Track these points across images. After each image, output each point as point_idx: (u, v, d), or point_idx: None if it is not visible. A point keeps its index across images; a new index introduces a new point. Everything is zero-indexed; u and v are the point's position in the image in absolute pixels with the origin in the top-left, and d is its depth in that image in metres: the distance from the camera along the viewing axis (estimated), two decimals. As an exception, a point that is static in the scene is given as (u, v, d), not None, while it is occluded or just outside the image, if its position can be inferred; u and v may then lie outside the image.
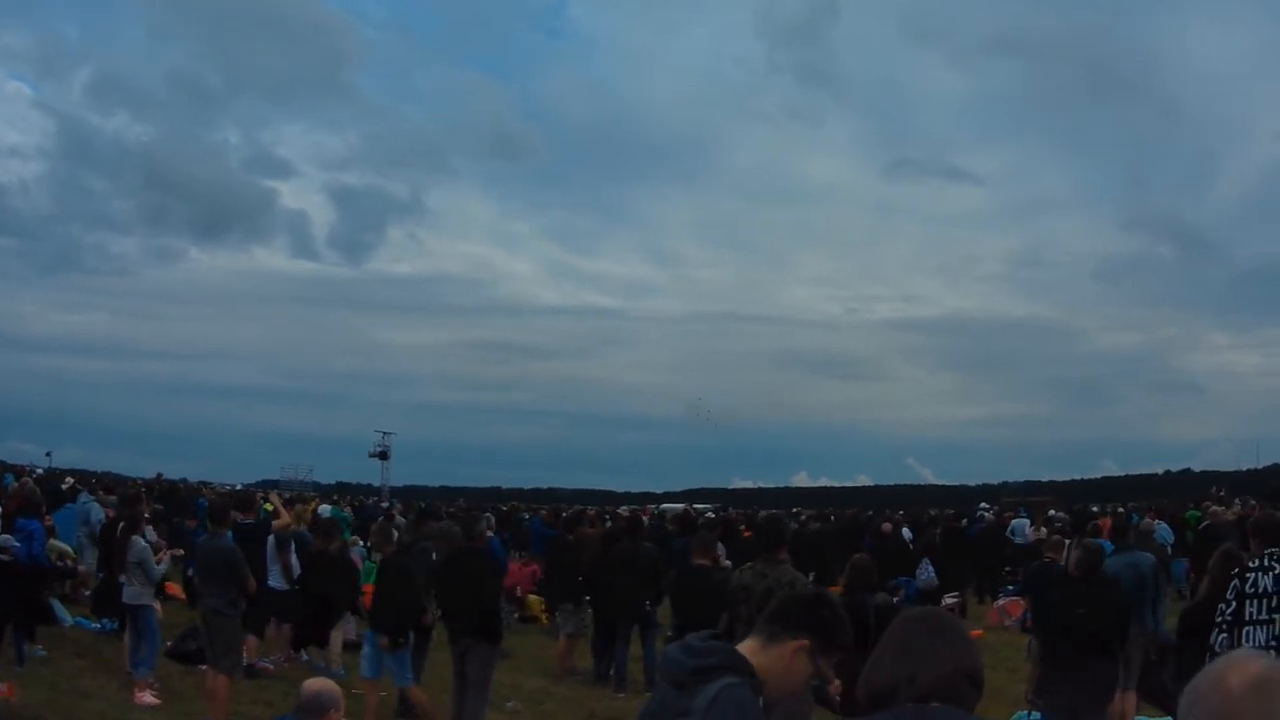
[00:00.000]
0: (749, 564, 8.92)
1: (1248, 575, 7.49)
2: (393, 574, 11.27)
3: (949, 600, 20.89)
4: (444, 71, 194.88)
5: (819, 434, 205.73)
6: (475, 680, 10.78)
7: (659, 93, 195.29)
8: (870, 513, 37.09)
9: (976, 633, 18.98)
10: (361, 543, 19.92)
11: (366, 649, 11.16)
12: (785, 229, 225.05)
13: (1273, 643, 7.33)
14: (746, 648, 3.54)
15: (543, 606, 20.24)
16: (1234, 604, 7.45)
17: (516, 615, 19.76)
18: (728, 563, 15.12)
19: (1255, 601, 7.40)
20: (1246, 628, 7.40)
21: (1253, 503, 29.16)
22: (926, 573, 19.85)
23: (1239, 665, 2.31)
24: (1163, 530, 21.56)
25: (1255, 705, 2.22)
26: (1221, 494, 39.70)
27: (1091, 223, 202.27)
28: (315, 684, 7.45)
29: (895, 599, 14.81)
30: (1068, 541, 13.41)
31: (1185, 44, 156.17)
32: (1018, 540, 25.76)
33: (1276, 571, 7.41)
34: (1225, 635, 7.42)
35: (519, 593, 20.65)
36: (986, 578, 24.06)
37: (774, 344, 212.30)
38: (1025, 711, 9.88)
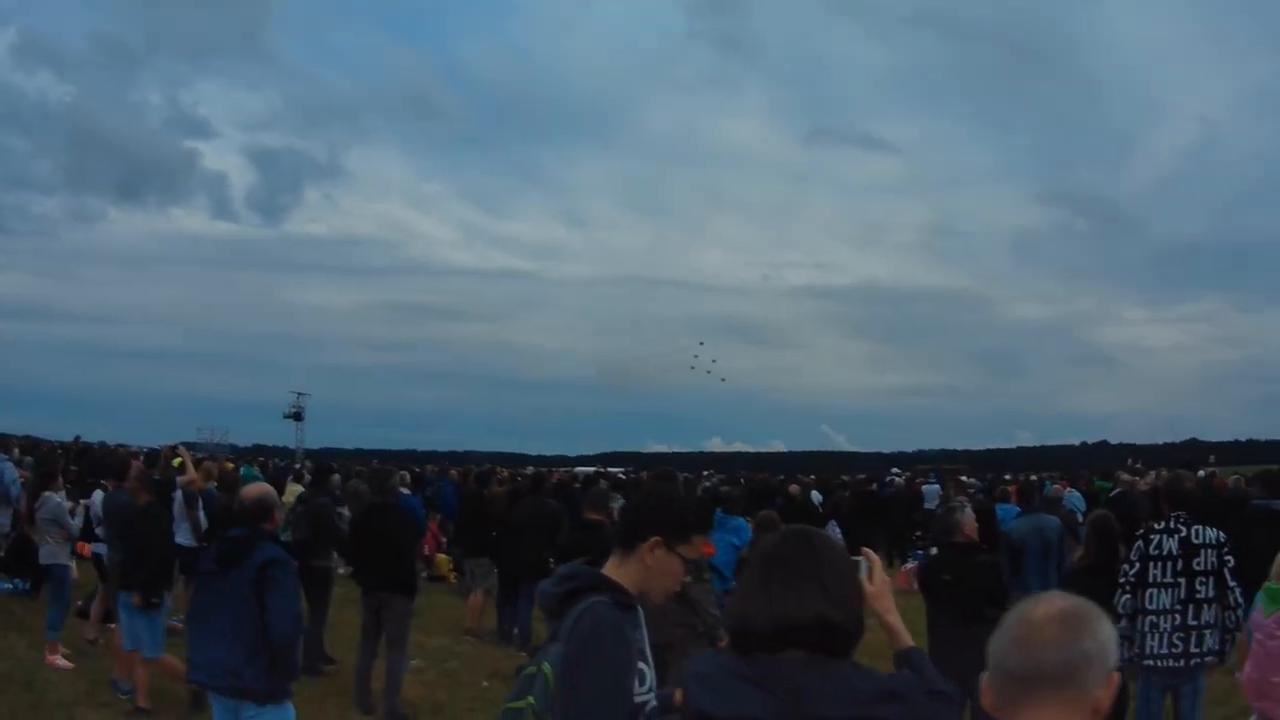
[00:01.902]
0: None
1: (1152, 537, 7.63)
2: (146, 524, 10.48)
3: None
4: (363, 33, 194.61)
5: (733, 399, 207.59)
6: (393, 636, 10.88)
7: (577, 57, 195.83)
8: (782, 477, 37.32)
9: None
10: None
11: (124, 618, 10.60)
12: (700, 195, 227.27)
13: (1177, 606, 7.50)
14: (609, 567, 3.57)
15: (450, 565, 20.44)
16: (1137, 566, 7.59)
17: (425, 574, 19.77)
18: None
19: (1159, 564, 7.53)
20: (1150, 590, 7.55)
21: (1165, 473, 29.64)
22: (834, 535, 20.05)
23: (1046, 599, 2.34)
24: (1073, 497, 21.85)
25: (1058, 633, 2.23)
26: (1138, 466, 40.22)
27: (1008, 195, 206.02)
28: (256, 489, 7.57)
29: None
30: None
31: (1107, 24, 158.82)
32: (928, 506, 26.12)
33: (1182, 534, 7.55)
34: (1129, 597, 7.56)
35: (426, 551, 20.73)
36: (896, 542, 24.42)
37: (688, 308, 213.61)
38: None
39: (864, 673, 2.74)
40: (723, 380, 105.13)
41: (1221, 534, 7.64)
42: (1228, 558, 7.55)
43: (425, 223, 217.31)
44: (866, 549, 3.26)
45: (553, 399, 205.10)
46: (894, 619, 3.14)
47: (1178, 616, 7.51)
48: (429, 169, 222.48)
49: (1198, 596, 7.51)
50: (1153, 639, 7.51)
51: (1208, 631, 7.53)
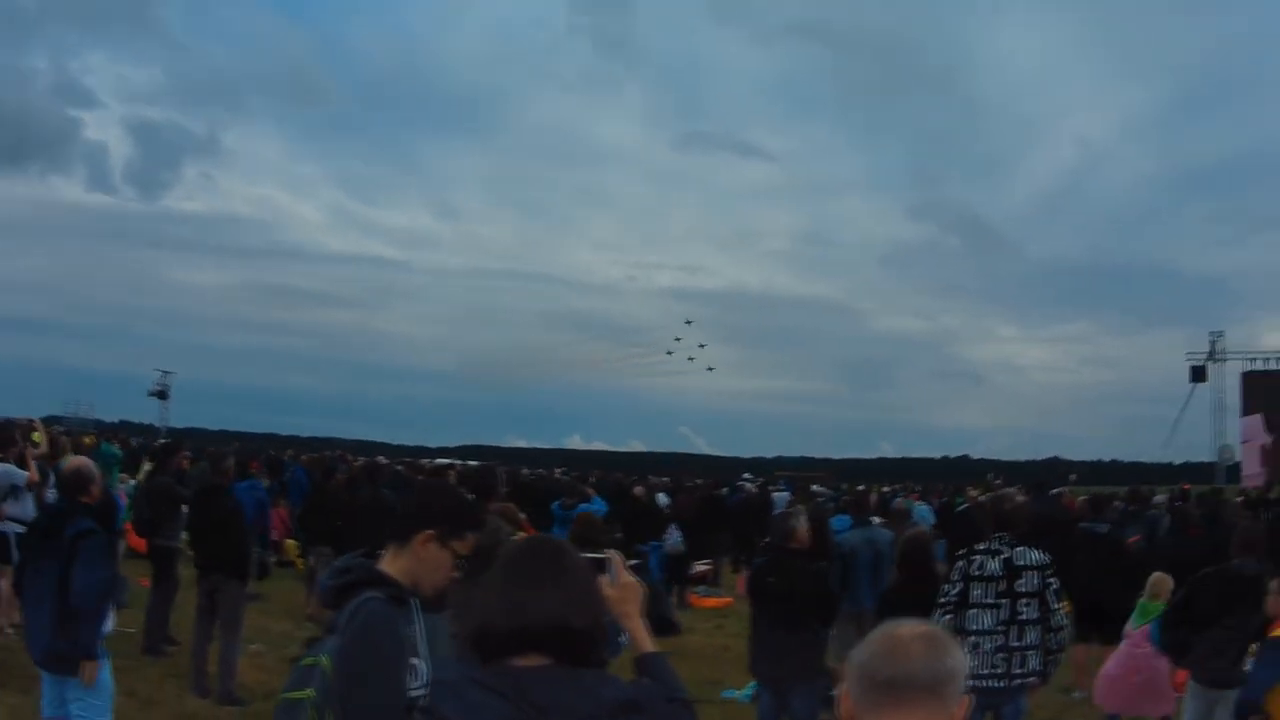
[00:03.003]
0: None
1: (974, 558, 7.78)
2: None
3: (700, 567, 21.72)
4: (251, 10, 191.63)
5: (595, 397, 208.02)
6: (227, 620, 11.06)
7: (458, 47, 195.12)
8: (635, 477, 37.54)
9: (725, 600, 19.54)
10: (131, 480, 20.04)
11: None
12: (572, 192, 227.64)
13: (999, 627, 7.65)
14: (386, 559, 3.70)
15: (298, 551, 20.37)
16: (960, 585, 7.73)
17: (275, 560, 20.11)
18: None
19: (982, 585, 7.69)
20: (972, 610, 7.69)
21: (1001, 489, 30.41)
22: (674, 538, 20.42)
23: (909, 623, 2.54)
24: (923, 511, 22.26)
25: (924, 649, 2.43)
26: (998, 481, 41.03)
27: (882, 208, 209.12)
28: (74, 461, 7.81)
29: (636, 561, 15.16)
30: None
31: (991, 44, 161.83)
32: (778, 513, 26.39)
33: (1005, 555, 7.72)
34: (950, 616, 7.68)
35: (275, 536, 20.65)
36: (744, 548, 24.66)
37: (555, 305, 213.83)
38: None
39: (606, 681, 2.79)
40: (710, 369, 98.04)
41: (1045, 556, 7.82)
42: (1051, 580, 7.73)
43: (300, 206, 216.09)
44: (611, 550, 3.32)
45: (416, 389, 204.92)
46: (635, 624, 3.22)
47: (1000, 637, 7.66)
48: (306, 151, 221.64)
49: (1020, 618, 7.67)
50: (974, 659, 7.65)
51: (1030, 653, 7.70)
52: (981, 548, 7.83)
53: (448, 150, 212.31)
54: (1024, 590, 7.68)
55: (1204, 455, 57.11)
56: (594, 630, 2.84)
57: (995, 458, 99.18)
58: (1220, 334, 53.43)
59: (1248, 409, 52.54)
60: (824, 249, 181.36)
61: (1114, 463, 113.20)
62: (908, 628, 2.51)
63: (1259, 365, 53.05)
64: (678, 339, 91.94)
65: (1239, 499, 29.08)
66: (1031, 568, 7.71)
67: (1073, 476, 66.70)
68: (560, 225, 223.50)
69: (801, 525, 9.01)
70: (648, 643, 3.19)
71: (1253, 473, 49.50)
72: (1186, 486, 33.76)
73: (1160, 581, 10.44)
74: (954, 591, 7.73)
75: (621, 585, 3.21)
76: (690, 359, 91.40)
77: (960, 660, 2.48)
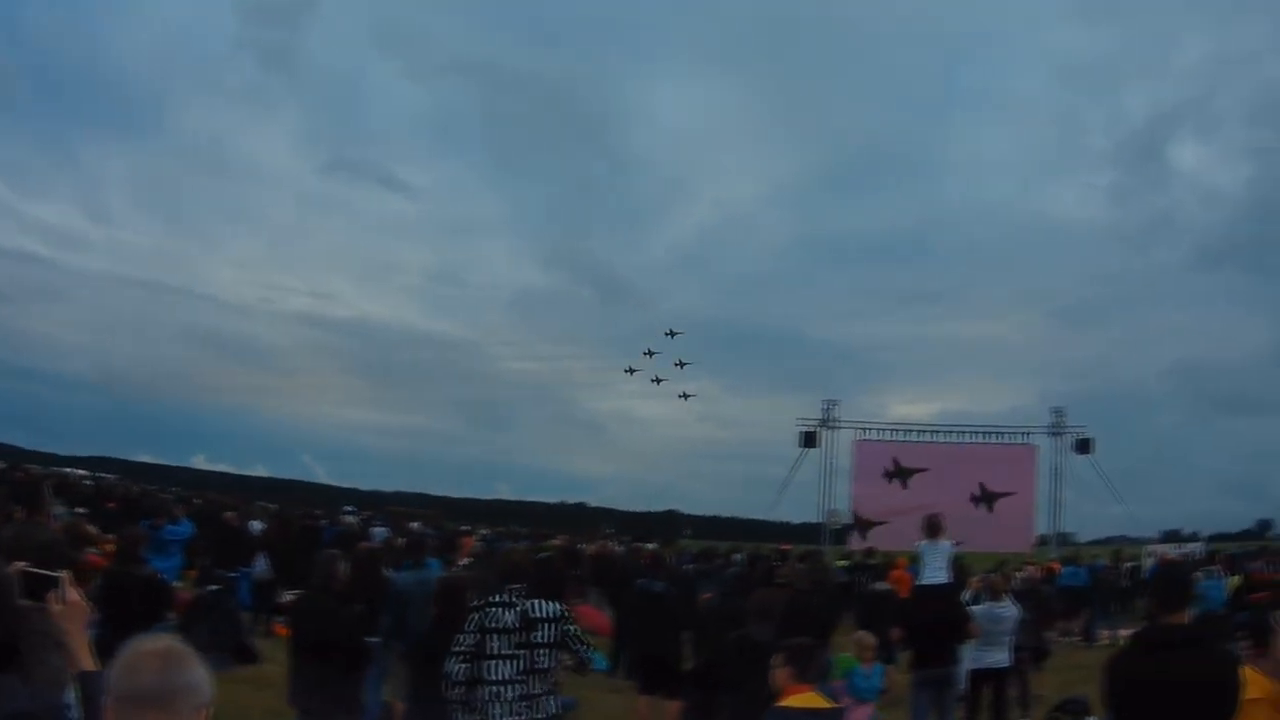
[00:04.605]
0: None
1: (490, 610, 8.27)
2: None
3: (290, 596, 21.73)
4: None
5: (223, 418, 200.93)
6: None
7: (130, 45, 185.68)
8: (239, 502, 37.23)
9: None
10: None
11: None
12: (219, 206, 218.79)
13: (519, 676, 8.16)
14: None
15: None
16: (475, 636, 8.20)
17: None
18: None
19: (498, 636, 8.20)
20: (490, 661, 8.17)
21: (611, 539, 31.52)
22: (261, 565, 20.99)
23: (153, 638, 2.93)
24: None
25: (158, 664, 2.80)
26: (610, 531, 42.19)
27: (517, 252, 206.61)
28: None
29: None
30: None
31: (648, 100, 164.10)
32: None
33: (520, 607, 8.25)
34: (466, 666, 8.15)
35: None
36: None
37: (191, 320, 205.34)
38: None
39: (13, 690, 3.15)
40: (683, 397, 69.27)
41: (560, 608, 8.39)
42: (569, 627, 8.31)
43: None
44: (63, 570, 3.63)
45: (54, 394, 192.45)
46: (75, 640, 3.51)
47: (520, 686, 8.15)
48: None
49: (538, 667, 8.20)
50: (497, 707, 8.11)
51: (550, 698, 8.27)
52: (496, 600, 8.33)
53: (105, 149, 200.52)
54: (540, 641, 8.21)
55: (816, 517, 59.43)
56: (7, 639, 3.19)
57: (613, 506, 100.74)
58: (835, 402, 55.64)
59: (857, 476, 55.33)
60: (455, 288, 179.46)
61: (731, 519, 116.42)
62: (150, 643, 2.86)
63: (872, 435, 55.61)
64: (648, 354, 66.54)
65: (841, 562, 30.75)
66: (547, 620, 8.27)
67: (687, 530, 68.98)
68: (203, 239, 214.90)
69: (341, 566, 9.40)
70: (88, 660, 3.45)
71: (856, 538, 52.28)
72: (786, 547, 35.47)
73: (862, 639, 11.44)
74: (469, 642, 8.15)
75: (67, 604, 3.48)
76: (656, 380, 66.82)
77: (195, 674, 2.84)
